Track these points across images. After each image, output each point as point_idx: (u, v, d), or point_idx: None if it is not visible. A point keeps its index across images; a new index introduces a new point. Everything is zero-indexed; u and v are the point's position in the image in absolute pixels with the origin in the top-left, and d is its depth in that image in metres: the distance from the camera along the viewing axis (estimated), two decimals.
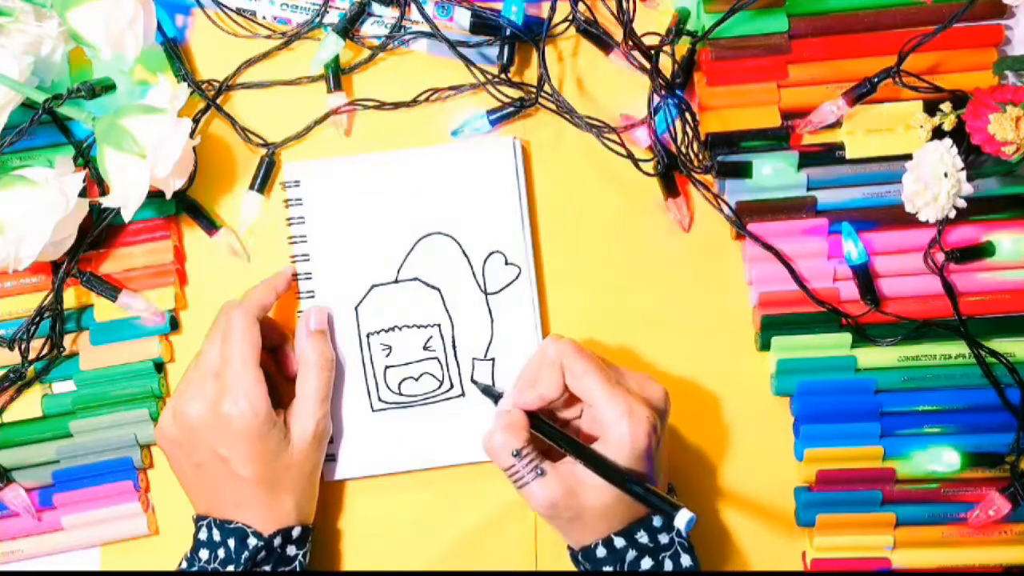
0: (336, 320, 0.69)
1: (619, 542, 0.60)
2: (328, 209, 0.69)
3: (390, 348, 0.69)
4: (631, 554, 0.60)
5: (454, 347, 0.69)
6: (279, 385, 0.68)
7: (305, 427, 0.64)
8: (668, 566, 0.60)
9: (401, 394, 0.69)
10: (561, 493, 0.59)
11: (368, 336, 0.69)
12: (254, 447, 0.62)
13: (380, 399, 0.69)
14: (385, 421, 0.69)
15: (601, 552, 0.60)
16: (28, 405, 0.69)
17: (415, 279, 0.69)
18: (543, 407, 0.62)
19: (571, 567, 0.63)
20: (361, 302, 0.69)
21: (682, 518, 0.55)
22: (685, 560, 0.60)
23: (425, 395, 0.69)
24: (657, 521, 0.60)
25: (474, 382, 0.68)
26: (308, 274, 0.69)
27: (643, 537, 0.60)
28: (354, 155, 0.69)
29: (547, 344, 0.62)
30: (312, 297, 0.69)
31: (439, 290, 0.69)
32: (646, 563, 0.60)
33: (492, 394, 0.65)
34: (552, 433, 0.60)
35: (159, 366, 0.70)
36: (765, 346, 0.69)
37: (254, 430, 0.62)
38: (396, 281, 0.69)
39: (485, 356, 0.69)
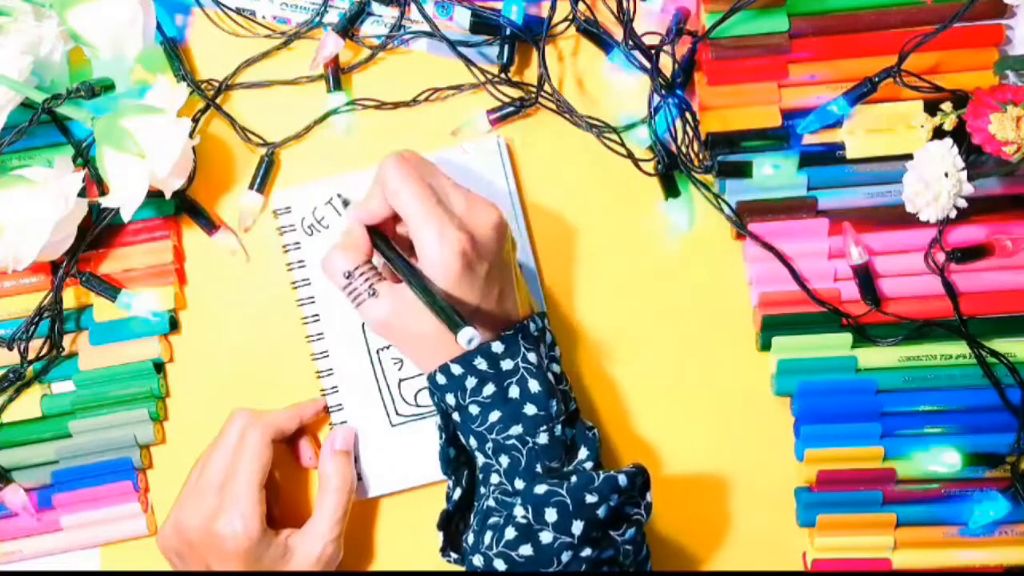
0: (345, 340, 0.68)
1: (456, 369, 0.59)
2: (322, 231, 0.68)
3: (401, 361, 0.69)
4: (471, 380, 0.59)
5: None
6: (283, 504, 0.69)
7: (311, 550, 0.64)
8: (514, 392, 0.59)
9: (418, 405, 0.69)
10: (391, 312, 0.59)
11: (378, 352, 0.69)
12: (245, 567, 0.63)
13: (398, 413, 0.69)
14: (406, 435, 0.69)
15: (441, 379, 0.60)
16: (27, 405, 0.69)
17: None
18: (377, 223, 0.61)
19: None
20: None
21: (464, 336, 0.54)
22: (534, 385, 0.59)
23: None
24: (497, 347, 0.59)
25: (338, 195, 0.67)
26: (311, 298, 0.69)
27: (482, 364, 0.59)
28: (339, 174, 0.69)
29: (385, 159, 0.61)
30: (317, 321, 0.68)
31: None
32: (488, 389, 0.59)
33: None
34: (385, 251, 0.60)
35: (159, 366, 0.70)
36: (765, 346, 0.69)
37: (244, 551, 0.62)
38: None
39: None
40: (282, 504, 0.69)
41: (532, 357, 0.60)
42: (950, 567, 0.69)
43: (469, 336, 0.53)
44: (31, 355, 0.67)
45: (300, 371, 0.69)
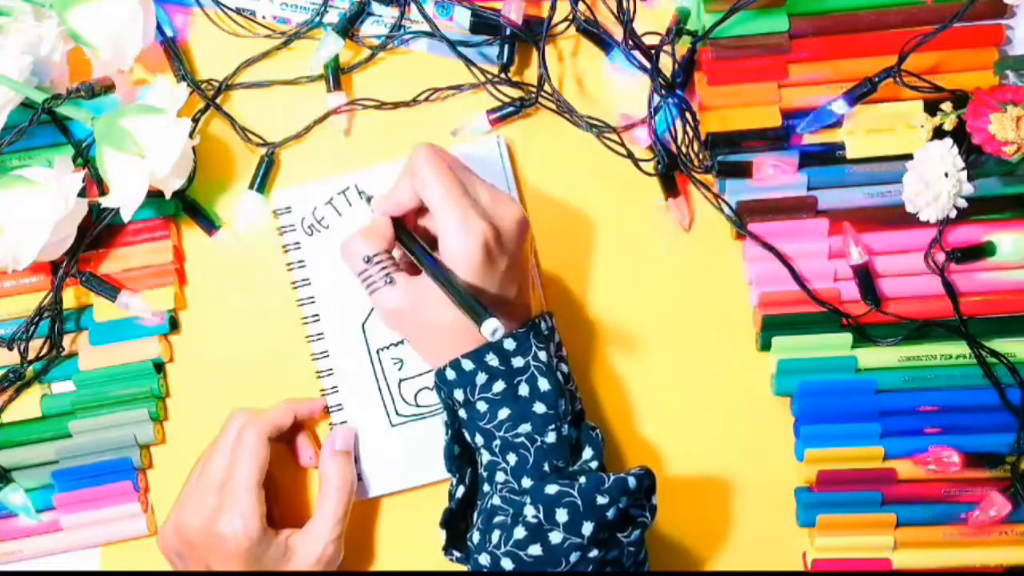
0: (345, 340, 0.68)
1: (467, 364, 0.59)
2: (322, 231, 0.69)
3: (401, 361, 0.69)
4: (481, 377, 0.59)
5: None
6: (284, 504, 0.69)
7: (312, 550, 0.64)
8: (524, 390, 0.59)
9: (418, 405, 0.69)
10: (406, 302, 0.59)
11: (378, 352, 0.69)
12: (245, 567, 0.63)
13: (398, 413, 0.69)
14: (406, 435, 0.69)
15: (451, 374, 0.60)
16: (27, 405, 0.69)
17: None
18: (401, 213, 0.62)
19: None
20: (367, 319, 0.68)
21: (488, 327, 0.54)
22: (543, 384, 0.60)
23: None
24: (509, 344, 0.59)
25: (359, 191, 0.67)
26: (311, 298, 0.69)
27: (493, 360, 0.59)
28: (341, 173, 0.69)
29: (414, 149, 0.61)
30: (317, 320, 0.68)
31: None
32: (499, 386, 0.59)
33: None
34: (407, 242, 0.61)
35: (159, 366, 0.70)
36: (765, 346, 0.69)
37: (244, 551, 0.62)
38: None
39: None
40: (282, 504, 0.69)
41: (543, 355, 0.60)
42: (950, 567, 0.69)
43: (493, 327, 0.53)
44: (31, 355, 0.67)
45: (300, 371, 0.69)
